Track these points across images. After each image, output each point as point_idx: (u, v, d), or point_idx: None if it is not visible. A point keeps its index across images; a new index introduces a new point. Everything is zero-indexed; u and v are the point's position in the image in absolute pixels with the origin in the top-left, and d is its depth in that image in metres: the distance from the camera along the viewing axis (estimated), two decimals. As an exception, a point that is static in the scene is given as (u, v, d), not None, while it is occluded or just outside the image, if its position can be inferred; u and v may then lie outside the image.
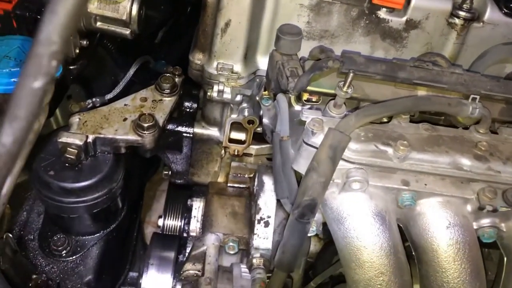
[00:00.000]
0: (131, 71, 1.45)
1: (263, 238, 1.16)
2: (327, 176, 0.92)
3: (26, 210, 1.34)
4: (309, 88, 1.09)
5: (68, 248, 1.28)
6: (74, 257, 1.28)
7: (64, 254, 1.28)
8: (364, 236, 0.94)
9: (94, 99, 1.40)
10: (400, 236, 0.99)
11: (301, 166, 1.00)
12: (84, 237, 1.31)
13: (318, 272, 1.40)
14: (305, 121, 1.00)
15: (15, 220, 1.32)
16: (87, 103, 1.39)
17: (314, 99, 1.13)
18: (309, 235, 1.02)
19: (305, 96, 1.13)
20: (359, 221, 0.95)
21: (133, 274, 1.66)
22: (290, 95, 1.16)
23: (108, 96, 1.42)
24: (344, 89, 1.00)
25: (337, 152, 0.92)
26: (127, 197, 1.44)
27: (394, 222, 0.98)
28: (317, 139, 0.96)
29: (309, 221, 0.97)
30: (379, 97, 1.10)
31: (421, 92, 1.13)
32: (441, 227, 0.97)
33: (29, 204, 1.35)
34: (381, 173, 0.97)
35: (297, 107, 1.19)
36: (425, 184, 0.98)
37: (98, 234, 1.32)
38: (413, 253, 1.01)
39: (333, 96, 1.07)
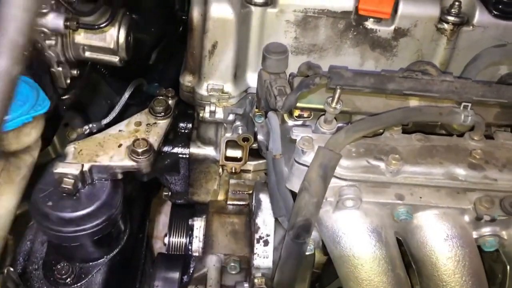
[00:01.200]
0: (126, 95, 1.45)
1: (263, 257, 1.14)
2: (319, 195, 0.90)
3: (29, 240, 1.34)
4: (299, 104, 1.07)
5: (72, 275, 1.28)
6: (79, 284, 1.28)
7: (69, 282, 1.27)
8: (361, 254, 0.92)
9: (90, 125, 1.40)
10: (398, 250, 0.96)
11: (295, 185, 0.99)
12: (87, 264, 1.30)
13: (325, 285, 1.38)
14: (296, 140, 0.99)
15: (19, 250, 1.32)
16: (84, 129, 1.39)
17: (305, 114, 1.12)
18: (307, 253, 1.00)
19: (296, 113, 1.11)
20: (354, 239, 0.93)
21: (143, 292, 1.66)
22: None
23: (105, 121, 1.42)
24: (333, 105, 0.98)
25: (327, 170, 0.90)
26: (131, 219, 1.44)
27: (391, 237, 0.96)
28: (308, 158, 0.94)
29: (305, 241, 0.96)
30: (371, 109, 1.08)
31: (413, 102, 1.11)
32: (439, 240, 0.94)
33: (33, 234, 1.36)
34: (374, 189, 0.95)
35: (290, 122, 1.18)
36: (420, 197, 0.95)
37: (101, 260, 1.32)
38: (413, 266, 0.99)
39: (324, 111, 1.05)
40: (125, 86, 1.49)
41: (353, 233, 0.93)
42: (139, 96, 1.53)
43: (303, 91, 1.00)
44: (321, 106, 1.08)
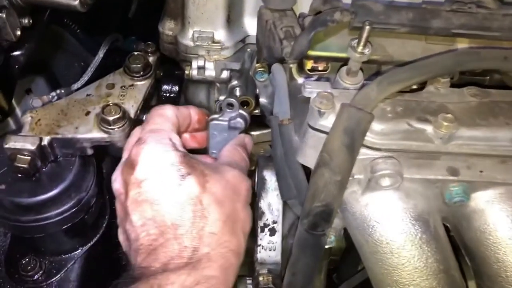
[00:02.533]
0: (100, 54, 1.18)
1: (269, 250, 0.90)
2: (344, 172, 0.64)
3: (-11, 229, 1.11)
4: (312, 52, 0.80)
5: (41, 271, 1.04)
6: (49, 281, 1.05)
7: (37, 279, 1.05)
8: (402, 251, 0.67)
9: (59, 91, 1.13)
10: (450, 244, 0.71)
11: (308, 158, 0.73)
12: (59, 257, 1.07)
13: (344, 275, 1.14)
14: (310, 98, 0.73)
15: (-23, 242, 1.09)
16: (50, 96, 1.13)
17: (320, 67, 0.85)
18: (326, 246, 0.75)
19: (309, 65, 0.84)
20: (393, 230, 0.67)
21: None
22: (289, 65, 0.88)
23: (76, 86, 1.16)
24: (359, 48, 0.71)
25: (356, 137, 0.64)
26: (111, 203, 1.20)
27: (440, 226, 0.70)
28: (327, 121, 0.68)
29: (324, 233, 0.71)
30: (406, 57, 0.81)
31: (462, 45, 0.84)
32: (506, 229, 0.68)
33: (-7, 223, 1.12)
34: (418, 161, 0.69)
35: (300, 80, 0.91)
36: (481, 171, 0.69)
37: (76, 252, 1.09)
38: (468, 262, 0.74)
39: (345, 60, 0.79)
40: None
41: (391, 222, 0.67)
42: (119, 57, 1.25)
43: (318, 30, 0.73)
44: (342, 54, 0.81)
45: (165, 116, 0.81)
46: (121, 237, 0.81)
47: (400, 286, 0.67)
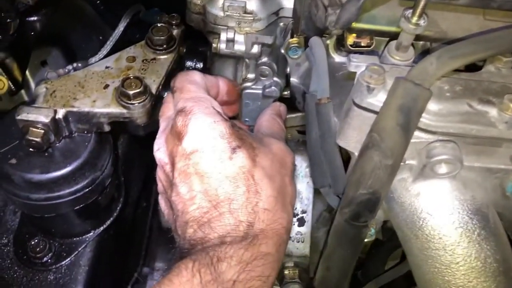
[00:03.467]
0: (121, 27, 1.10)
1: (297, 242, 0.82)
2: (396, 155, 0.56)
3: (-2, 207, 1.05)
4: (356, 25, 0.72)
5: (50, 254, 0.98)
6: (58, 264, 0.99)
7: (46, 262, 0.98)
8: (457, 248, 0.58)
9: (75, 65, 1.06)
10: (509, 242, 0.63)
11: (350, 141, 0.65)
12: (70, 239, 1.01)
13: (371, 274, 1.06)
14: (355, 73, 0.65)
15: (-16, 220, 1.03)
16: (66, 69, 1.05)
17: (363, 43, 0.76)
18: (366, 240, 0.67)
19: (351, 39, 0.76)
20: (447, 224, 0.59)
21: (147, 270, 1.39)
22: (327, 41, 0.80)
23: (93, 60, 1.08)
24: (414, 19, 0.63)
25: (411, 116, 0.56)
26: (128, 184, 1.13)
27: (499, 222, 0.62)
28: (376, 99, 0.60)
29: (366, 224, 0.63)
30: (461, 33, 0.72)
31: (523, 23, 0.75)
32: None
33: (3, 200, 1.06)
34: (478, 147, 0.60)
35: (339, 58, 0.83)
36: (550, 161, 0.61)
37: (88, 235, 1.02)
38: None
39: (393, 35, 0.70)
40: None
41: (445, 215, 0.59)
42: (142, 31, 1.17)
43: (369, -3, 0.65)
44: (391, 28, 0.73)
45: (196, 82, 0.76)
46: (162, 205, 0.80)
47: (453, 287, 0.59)
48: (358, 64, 0.64)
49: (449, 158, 0.57)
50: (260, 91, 0.83)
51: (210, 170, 0.67)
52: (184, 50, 1.04)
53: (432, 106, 0.59)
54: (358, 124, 0.63)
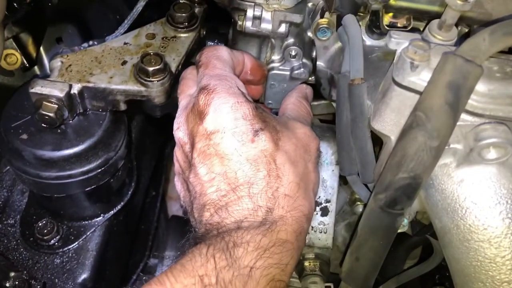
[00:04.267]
0: (139, 6, 1.06)
1: (320, 232, 0.77)
2: (443, 136, 0.51)
3: (6, 187, 1.01)
4: (394, 2, 0.67)
5: (58, 236, 0.94)
6: (66, 248, 0.94)
7: (53, 245, 0.94)
8: (504, 240, 0.54)
9: (91, 42, 1.02)
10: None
11: (387, 124, 0.60)
12: (78, 223, 0.96)
13: (388, 272, 1.01)
14: (392, 53, 0.60)
15: (-9, 199, 0.99)
16: (81, 47, 1.01)
17: (400, 24, 0.72)
18: (399, 231, 0.63)
19: (387, 19, 0.71)
20: (493, 214, 0.54)
21: (154, 260, 1.35)
22: (362, 21, 0.75)
23: (110, 38, 1.04)
24: (462, -4, 0.58)
25: (461, 95, 0.51)
26: (139, 170, 1.09)
27: (549, 215, 0.57)
28: (419, 78, 0.55)
29: (403, 212, 0.58)
30: (506, 15, 0.68)
31: None
32: None
33: (11, 179, 1.02)
34: (528, 133, 0.56)
35: (370, 41, 0.78)
36: None
37: (98, 219, 0.98)
38: None
39: (433, 16, 0.66)
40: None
41: (492, 205, 0.54)
42: (159, 12, 1.13)
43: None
44: (432, 7, 0.68)
45: (223, 59, 0.72)
46: (179, 186, 0.77)
47: (497, 284, 0.54)
48: (400, 41, 0.59)
49: (500, 142, 0.52)
50: (287, 73, 0.78)
51: (231, 152, 0.64)
52: (204, 32, 1.00)
53: (480, 86, 0.54)
54: (397, 104, 0.58)
